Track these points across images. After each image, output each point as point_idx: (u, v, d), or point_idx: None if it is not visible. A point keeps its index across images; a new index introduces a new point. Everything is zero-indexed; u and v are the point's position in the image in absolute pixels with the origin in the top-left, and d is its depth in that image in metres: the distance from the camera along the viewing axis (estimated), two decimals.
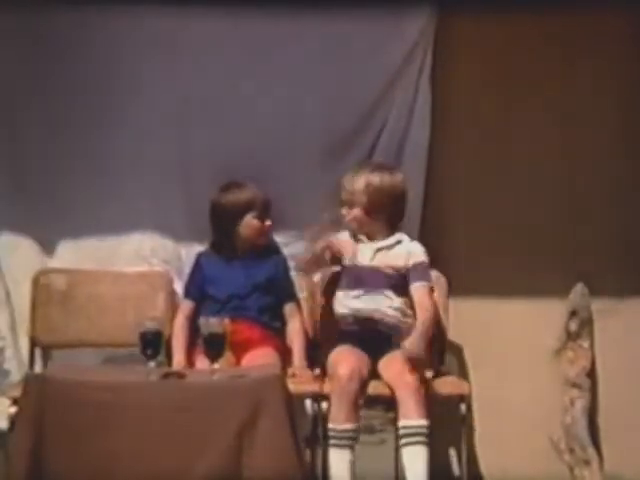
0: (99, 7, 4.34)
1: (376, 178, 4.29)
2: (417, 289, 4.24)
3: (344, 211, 4.32)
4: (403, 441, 3.95)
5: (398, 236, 4.32)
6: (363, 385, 4.04)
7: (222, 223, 4.42)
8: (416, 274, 4.25)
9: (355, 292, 4.28)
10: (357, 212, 4.30)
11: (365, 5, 4.34)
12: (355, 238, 4.34)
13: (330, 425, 4.01)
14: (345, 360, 4.08)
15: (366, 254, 4.31)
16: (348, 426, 3.99)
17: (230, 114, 4.51)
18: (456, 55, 4.50)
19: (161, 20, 4.42)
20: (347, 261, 4.33)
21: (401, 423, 3.97)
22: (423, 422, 3.94)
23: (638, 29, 4.42)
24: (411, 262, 4.26)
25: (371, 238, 4.33)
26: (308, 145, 4.52)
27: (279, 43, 4.47)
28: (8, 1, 4.37)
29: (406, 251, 4.28)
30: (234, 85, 4.50)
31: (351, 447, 3.99)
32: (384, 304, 4.24)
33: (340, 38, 4.45)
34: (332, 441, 3.99)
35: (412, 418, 3.94)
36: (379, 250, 4.30)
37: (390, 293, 4.25)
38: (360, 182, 4.29)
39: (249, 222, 4.42)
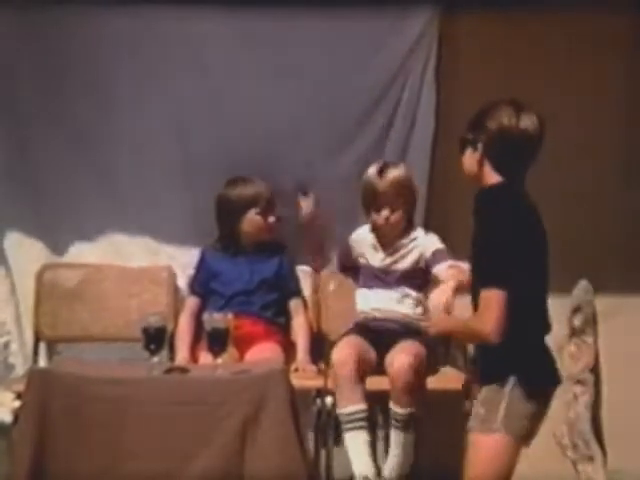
0: (99, 8, 4.36)
1: (403, 172, 4.22)
2: (440, 270, 4.10)
3: (385, 213, 4.20)
4: (391, 421, 4.02)
5: (414, 233, 4.28)
6: (362, 368, 4.02)
7: (226, 217, 4.43)
8: (436, 260, 4.16)
9: (372, 292, 4.26)
10: (400, 214, 4.22)
11: (367, 3, 4.35)
12: (377, 239, 4.28)
13: (338, 411, 4.00)
14: (340, 347, 4.08)
15: (380, 255, 4.28)
16: (353, 408, 3.97)
17: (231, 113, 4.53)
18: (460, 53, 4.50)
19: (162, 20, 4.44)
20: (363, 260, 4.31)
21: (390, 406, 4.01)
22: (404, 411, 3.97)
23: (639, 28, 4.42)
24: (429, 252, 4.20)
25: (393, 239, 4.25)
26: (309, 144, 4.53)
27: (280, 41, 4.47)
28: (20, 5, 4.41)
29: (422, 245, 4.23)
30: (235, 84, 4.52)
31: (363, 428, 3.97)
32: (401, 303, 4.23)
33: (342, 35, 4.46)
34: (344, 426, 3.98)
35: (398, 405, 3.98)
36: (394, 251, 4.25)
37: (407, 290, 4.23)
38: (399, 177, 4.19)
39: (252, 218, 4.42)
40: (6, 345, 4.51)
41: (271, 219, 4.43)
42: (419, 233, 4.28)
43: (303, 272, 4.57)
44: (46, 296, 4.51)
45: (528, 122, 3.10)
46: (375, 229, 4.29)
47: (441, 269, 4.09)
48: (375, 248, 4.28)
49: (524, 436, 3.14)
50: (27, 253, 4.57)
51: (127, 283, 4.54)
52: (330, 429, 4.10)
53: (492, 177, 3.12)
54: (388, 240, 4.27)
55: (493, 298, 3.00)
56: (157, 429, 3.54)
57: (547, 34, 4.43)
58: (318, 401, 4.10)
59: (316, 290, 4.58)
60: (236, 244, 4.45)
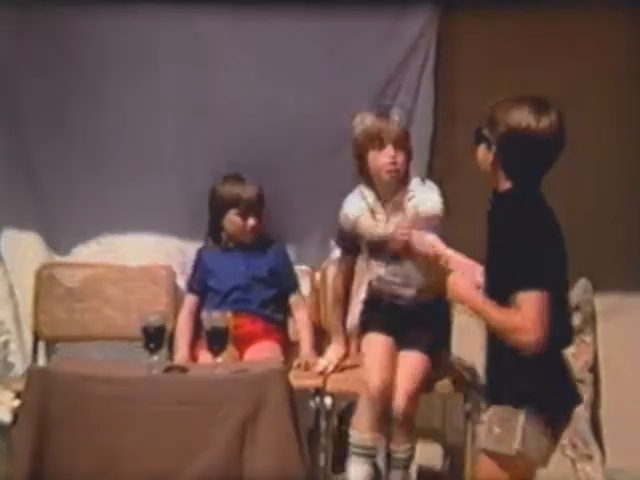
0: (99, 8, 4.36)
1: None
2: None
3: (390, 151, 3.86)
4: (392, 462, 3.92)
5: (410, 186, 3.94)
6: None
7: (212, 212, 4.47)
8: (425, 226, 3.82)
9: (379, 262, 3.99)
10: (405, 156, 3.90)
11: (366, 3, 4.35)
12: (370, 208, 3.95)
13: (353, 432, 3.88)
14: (378, 367, 3.88)
15: (381, 222, 3.96)
16: (370, 436, 3.86)
17: (231, 113, 4.52)
18: (459, 52, 4.51)
19: (162, 20, 4.44)
20: (363, 232, 3.99)
21: (391, 446, 3.91)
22: (404, 448, 3.89)
23: (638, 26, 4.42)
24: (423, 213, 3.89)
25: (393, 193, 3.92)
26: (308, 143, 4.53)
27: (280, 41, 4.48)
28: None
29: (420, 202, 3.90)
30: (235, 84, 4.52)
31: (371, 457, 3.87)
32: (413, 276, 3.95)
33: (341, 35, 4.47)
34: (353, 449, 3.87)
35: (400, 444, 3.89)
36: (391, 212, 3.93)
37: (410, 262, 3.91)
38: (402, 120, 3.94)
39: (232, 218, 4.43)
40: (5, 344, 4.52)
41: (250, 222, 4.42)
42: (414, 185, 3.95)
43: (302, 271, 4.58)
44: (45, 295, 4.51)
45: (546, 123, 2.89)
46: (374, 175, 3.94)
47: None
48: (373, 212, 3.97)
49: (542, 457, 2.98)
50: (26, 252, 4.57)
51: (126, 282, 4.54)
52: (328, 428, 4.11)
53: (505, 181, 2.97)
54: (388, 194, 3.93)
55: (536, 300, 2.80)
56: (156, 428, 3.53)
57: (547, 34, 4.43)
58: (317, 400, 4.10)
59: (315, 289, 4.58)
60: (222, 239, 4.46)
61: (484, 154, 3.01)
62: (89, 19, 4.43)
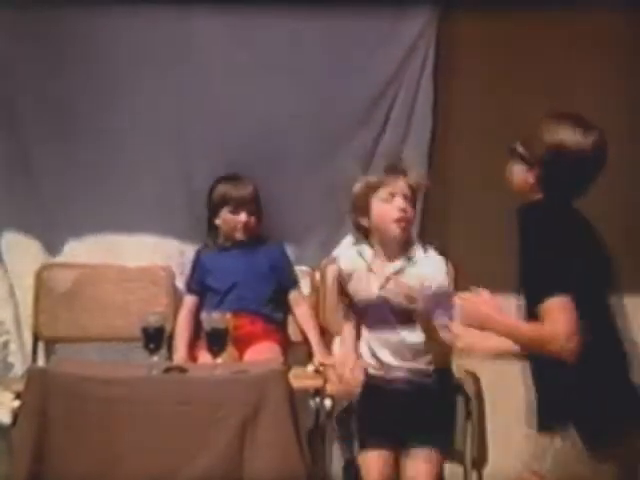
0: (99, 8, 4.36)
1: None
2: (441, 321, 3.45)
3: (400, 203, 3.57)
4: None
5: (413, 254, 3.64)
6: None
7: (208, 213, 4.48)
8: (437, 305, 3.47)
9: (369, 335, 3.71)
10: (414, 213, 3.65)
11: (365, 3, 4.35)
12: (368, 264, 3.67)
13: None
14: None
15: (375, 283, 3.66)
16: None
17: (230, 113, 4.53)
18: (458, 53, 4.51)
19: (161, 20, 4.45)
20: (358, 295, 3.71)
21: None
22: None
23: (638, 27, 4.42)
24: (429, 289, 3.54)
25: (391, 254, 3.63)
26: (308, 143, 4.53)
27: (279, 41, 4.48)
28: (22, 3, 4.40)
29: (422, 274, 3.59)
30: (234, 84, 4.52)
31: None
32: (407, 349, 3.66)
33: (340, 35, 4.47)
34: None
35: None
36: (390, 276, 3.63)
37: (405, 333, 3.64)
38: (422, 173, 3.70)
39: (225, 216, 4.46)
40: (5, 344, 4.52)
41: (242, 217, 4.43)
42: (417, 252, 3.66)
43: (302, 272, 4.58)
44: (45, 296, 4.51)
45: (593, 140, 2.83)
46: (377, 229, 3.64)
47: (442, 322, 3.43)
48: (370, 270, 3.67)
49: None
50: (25, 253, 4.57)
51: (126, 283, 4.55)
52: (328, 429, 4.11)
53: (537, 194, 2.90)
54: (389, 253, 3.64)
55: (558, 305, 2.70)
56: (156, 428, 3.53)
57: (546, 34, 4.43)
58: (317, 400, 4.10)
59: (315, 289, 4.57)
60: (223, 239, 4.46)
61: (521, 173, 2.92)
62: (89, 20, 4.44)
